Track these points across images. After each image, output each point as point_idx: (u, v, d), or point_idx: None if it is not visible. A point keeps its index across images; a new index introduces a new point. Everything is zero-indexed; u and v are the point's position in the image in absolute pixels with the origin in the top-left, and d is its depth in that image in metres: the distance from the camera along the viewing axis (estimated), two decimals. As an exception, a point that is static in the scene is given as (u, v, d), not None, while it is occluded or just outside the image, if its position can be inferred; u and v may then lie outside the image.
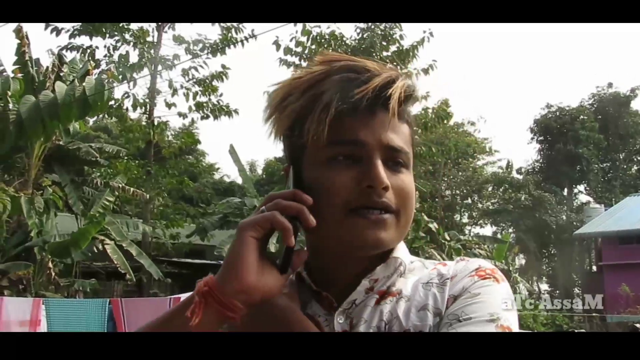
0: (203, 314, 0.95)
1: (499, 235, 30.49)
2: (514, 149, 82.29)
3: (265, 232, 0.98)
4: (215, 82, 18.69)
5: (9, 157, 14.88)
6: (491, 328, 0.99)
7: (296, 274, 1.13)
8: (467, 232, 35.24)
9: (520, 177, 37.66)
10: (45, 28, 17.06)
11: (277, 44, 18.48)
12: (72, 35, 17.54)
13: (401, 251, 1.13)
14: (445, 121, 20.44)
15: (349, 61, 1.07)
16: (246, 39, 18.25)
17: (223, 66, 18.76)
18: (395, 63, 18.86)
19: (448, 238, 20.45)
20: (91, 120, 24.74)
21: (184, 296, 10.17)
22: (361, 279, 1.09)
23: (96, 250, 14.93)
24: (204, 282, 0.97)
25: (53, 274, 13.82)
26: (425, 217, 18.99)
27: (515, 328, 1.03)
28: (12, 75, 13.47)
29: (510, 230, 35.95)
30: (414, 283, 1.10)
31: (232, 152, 17.62)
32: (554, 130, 38.02)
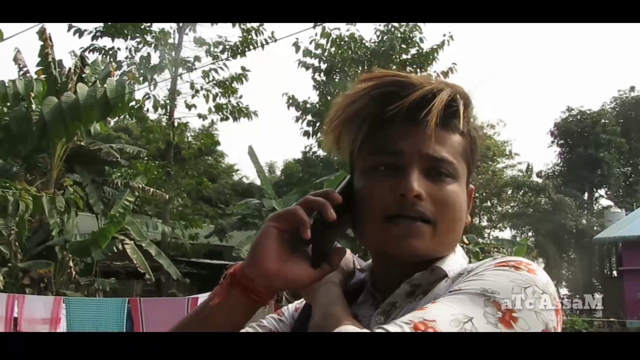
0: (228, 295, 1.04)
1: (518, 239, 30.28)
2: (534, 152, 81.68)
3: (291, 225, 1.03)
4: (235, 84, 18.81)
5: (31, 157, 15.06)
6: (479, 302, 0.93)
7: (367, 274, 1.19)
8: (486, 235, 35.03)
9: (540, 180, 37.37)
10: (68, 30, 17.30)
11: (296, 46, 18.58)
12: (94, 37, 17.78)
13: (449, 263, 1.10)
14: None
15: (394, 76, 1.10)
16: (266, 41, 18.35)
17: (243, 68, 18.90)
18: (415, 66, 18.86)
19: (466, 241, 20.30)
20: (112, 121, 24.96)
21: (202, 296, 10.23)
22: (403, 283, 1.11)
23: (116, 250, 15.05)
24: (232, 266, 1.05)
25: (74, 272, 13.93)
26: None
27: (523, 315, 0.94)
28: (35, 76, 13.67)
29: (530, 234, 35.68)
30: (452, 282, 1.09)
31: (251, 153, 17.69)
32: (574, 133, 37.64)
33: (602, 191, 39.53)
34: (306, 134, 19.85)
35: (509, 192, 35.76)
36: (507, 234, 36.16)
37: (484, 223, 36.88)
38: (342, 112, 1.12)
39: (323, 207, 1.03)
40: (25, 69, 14.90)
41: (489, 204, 36.02)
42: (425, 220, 1.05)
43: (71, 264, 13.84)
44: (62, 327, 8.58)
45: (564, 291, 37.45)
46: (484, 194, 34.85)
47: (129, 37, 18.24)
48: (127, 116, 19.47)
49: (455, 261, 1.12)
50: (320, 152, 23.30)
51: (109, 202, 16.56)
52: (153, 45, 18.37)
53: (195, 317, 1.09)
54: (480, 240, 24.90)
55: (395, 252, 1.06)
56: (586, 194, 38.31)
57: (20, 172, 16.19)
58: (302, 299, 1.24)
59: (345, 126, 1.12)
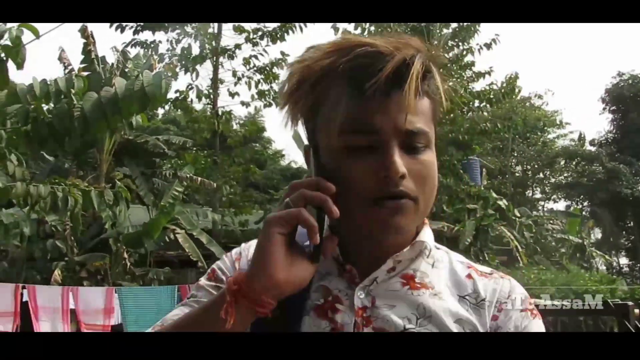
0: (236, 312, 0.96)
1: (572, 209, 29.73)
2: (586, 121, 79.81)
3: (293, 227, 0.98)
4: (275, 70, 18.80)
5: (82, 153, 15.42)
6: None
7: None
8: (540, 207, 34.49)
9: (593, 149, 36.52)
10: (110, 26, 17.55)
11: (335, 28, 18.45)
12: (135, 32, 17.99)
13: (427, 235, 1.14)
14: (511, 96, 19.97)
15: (360, 46, 1.03)
16: (305, 24, 18.27)
17: (282, 53, 18.86)
18: (456, 40, 18.55)
19: (518, 214, 20.07)
20: (160, 114, 25.33)
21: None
22: (385, 257, 1.09)
23: (168, 240, 15.28)
24: (233, 280, 0.98)
25: (128, 264, 14.22)
26: (494, 194, 18.69)
27: None
28: (75, 73, 13.92)
29: (585, 204, 34.99)
30: (446, 279, 1.13)
31: (297, 137, 17.63)
32: (627, 99, 36.49)
33: (658, 156, 38.41)
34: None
35: (562, 162, 35.12)
36: (561, 205, 35.58)
37: (537, 195, 36.34)
38: (312, 89, 1.06)
39: (325, 204, 0.99)
40: (70, 67, 15.25)
41: (541, 175, 35.45)
42: (408, 198, 1.02)
43: (125, 255, 14.14)
44: (115, 317, 8.81)
45: (624, 261, 36.68)
46: (536, 166, 34.30)
47: (169, 30, 18.38)
48: (173, 107, 19.71)
49: (428, 234, 1.14)
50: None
51: (159, 193, 16.83)
52: (193, 35, 18.49)
53: (196, 326, 1.03)
54: (532, 213, 24.55)
55: (382, 234, 1.04)
56: (642, 161, 37.27)
57: (72, 168, 16.62)
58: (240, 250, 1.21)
59: (317, 103, 1.06)
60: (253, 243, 1.19)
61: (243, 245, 1.23)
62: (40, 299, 8.55)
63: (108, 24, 17.35)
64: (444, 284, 1.12)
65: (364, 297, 1.08)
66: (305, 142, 1.13)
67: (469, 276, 1.14)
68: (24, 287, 8.73)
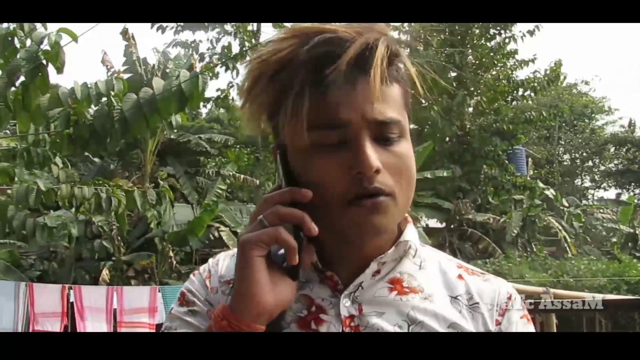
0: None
1: (623, 197, 29.06)
2: (636, 106, 77.71)
3: (270, 247, 0.94)
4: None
5: (125, 154, 15.64)
6: None
7: None
8: (589, 196, 33.83)
9: (644, 134, 35.66)
10: (151, 27, 17.76)
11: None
12: (176, 32, 18.18)
13: (410, 234, 1.06)
14: (556, 83, 19.58)
15: (318, 32, 0.95)
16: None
17: (322, 48, 18.85)
18: (498, 28, 18.23)
19: (566, 204, 19.70)
20: (204, 112, 25.54)
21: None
22: (368, 260, 1.03)
23: (213, 238, 15.38)
24: (220, 315, 0.94)
25: (174, 262, 14.39)
26: (541, 184, 18.38)
27: None
28: (115, 75, 14.15)
29: (637, 191, 34.20)
30: (436, 279, 1.07)
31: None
32: (678, 82, 35.61)
33: None
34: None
35: (611, 149, 34.37)
36: (611, 193, 34.82)
37: (587, 184, 35.64)
38: (269, 84, 0.98)
39: (302, 222, 0.93)
40: (112, 70, 15.49)
41: (590, 163, 34.77)
42: (384, 194, 0.95)
43: (171, 254, 14.32)
44: (160, 315, 8.87)
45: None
46: (584, 154, 33.65)
47: (209, 29, 18.51)
48: (215, 106, 19.85)
49: (411, 232, 1.07)
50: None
51: (203, 191, 16.97)
52: (233, 33, 18.58)
53: None
54: (581, 202, 24.06)
55: (361, 235, 0.97)
56: (696, 145, 36.21)
57: (117, 169, 16.89)
58: (218, 263, 1.15)
59: (277, 99, 0.97)
60: (221, 257, 1.17)
61: (211, 261, 1.17)
62: (86, 299, 8.68)
63: (149, 25, 17.58)
64: (434, 285, 1.06)
65: (350, 305, 1.02)
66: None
67: (460, 276, 1.09)
68: (70, 288, 8.89)
